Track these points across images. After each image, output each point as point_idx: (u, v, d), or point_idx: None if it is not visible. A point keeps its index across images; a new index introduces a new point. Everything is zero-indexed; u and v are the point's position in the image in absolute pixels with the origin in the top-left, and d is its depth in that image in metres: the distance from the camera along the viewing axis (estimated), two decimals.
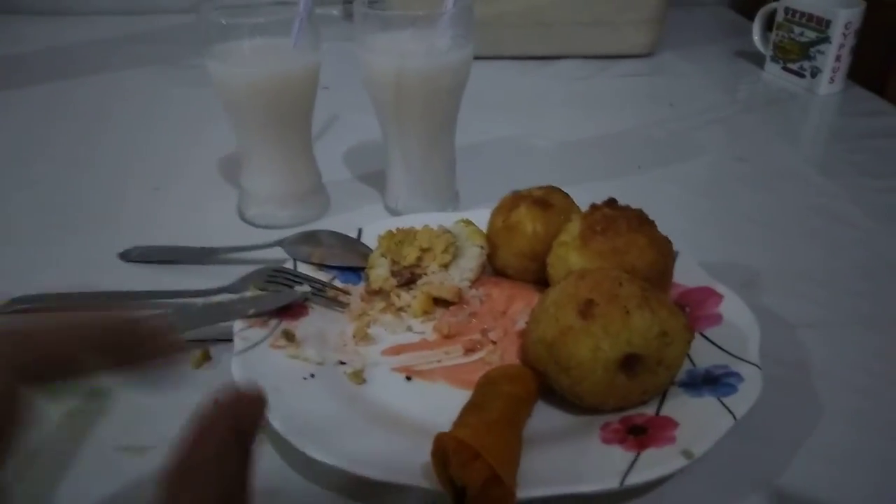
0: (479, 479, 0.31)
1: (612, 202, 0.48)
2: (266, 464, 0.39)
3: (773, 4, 0.96)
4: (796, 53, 0.93)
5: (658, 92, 0.96)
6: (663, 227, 0.48)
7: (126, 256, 0.57)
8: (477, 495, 0.31)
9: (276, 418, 0.37)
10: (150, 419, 0.41)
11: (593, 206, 0.48)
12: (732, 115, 0.88)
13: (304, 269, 0.52)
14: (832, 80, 0.90)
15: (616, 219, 0.46)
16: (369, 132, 0.63)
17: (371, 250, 0.53)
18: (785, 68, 0.96)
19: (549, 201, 0.51)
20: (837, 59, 0.89)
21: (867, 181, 0.70)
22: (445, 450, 0.32)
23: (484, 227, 0.54)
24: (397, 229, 0.54)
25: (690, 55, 1.07)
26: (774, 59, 0.97)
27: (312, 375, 0.42)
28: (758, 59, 1.01)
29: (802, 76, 0.93)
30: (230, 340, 0.44)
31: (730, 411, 0.37)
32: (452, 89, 0.58)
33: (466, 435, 0.32)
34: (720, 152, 0.78)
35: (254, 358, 0.42)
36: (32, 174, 0.73)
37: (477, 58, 0.99)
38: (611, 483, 0.33)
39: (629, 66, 1.03)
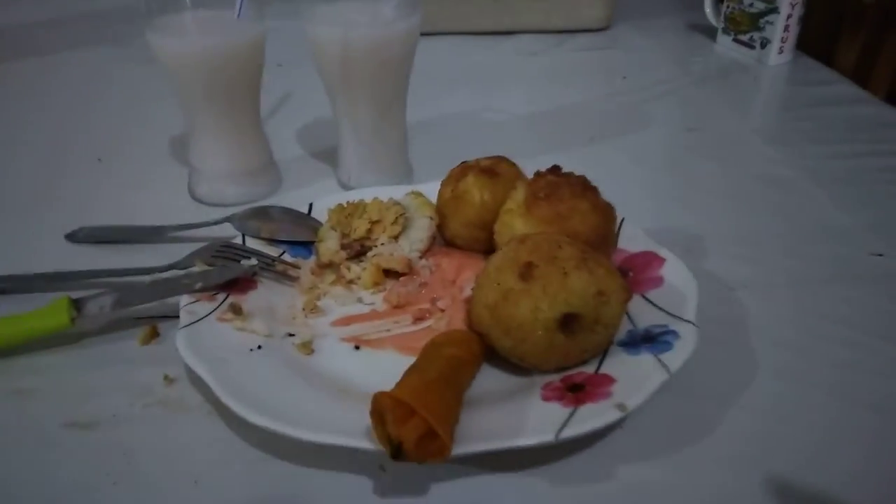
0: (415, 435, 0.31)
1: (555, 169, 0.48)
2: (215, 434, 0.39)
3: None
4: (746, 24, 0.95)
5: (613, 65, 0.97)
6: (612, 196, 0.49)
7: (73, 237, 0.57)
8: (413, 449, 0.31)
9: (220, 389, 0.37)
10: (96, 394, 0.42)
11: (537, 174, 0.49)
12: (684, 86, 0.89)
13: (253, 244, 0.52)
14: (781, 51, 0.92)
15: (559, 185, 0.46)
16: (323, 109, 0.63)
17: (321, 224, 0.53)
18: (736, 40, 0.97)
19: (496, 170, 0.52)
20: (786, 29, 0.90)
21: (811, 148, 0.72)
22: (382, 408, 0.33)
23: (434, 199, 0.54)
24: (347, 203, 0.54)
25: (645, 28, 1.08)
26: (726, 31, 0.99)
27: (259, 347, 0.43)
28: (711, 32, 1.02)
29: (752, 47, 0.94)
30: (178, 316, 0.44)
31: (664, 366, 0.38)
32: (400, 60, 0.58)
33: (403, 393, 0.33)
34: (670, 123, 0.79)
35: (200, 331, 0.42)
36: None
37: (433, 33, 0.99)
38: (546, 437, 0.34)
39: (585, 41, 1.03)
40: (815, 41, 0.95)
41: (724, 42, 0.99)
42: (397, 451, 0.32)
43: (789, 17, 0.89)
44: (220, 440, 0.39)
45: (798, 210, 0.61)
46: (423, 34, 0.58)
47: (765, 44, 0.92)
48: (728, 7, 0.96)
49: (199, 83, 0.56)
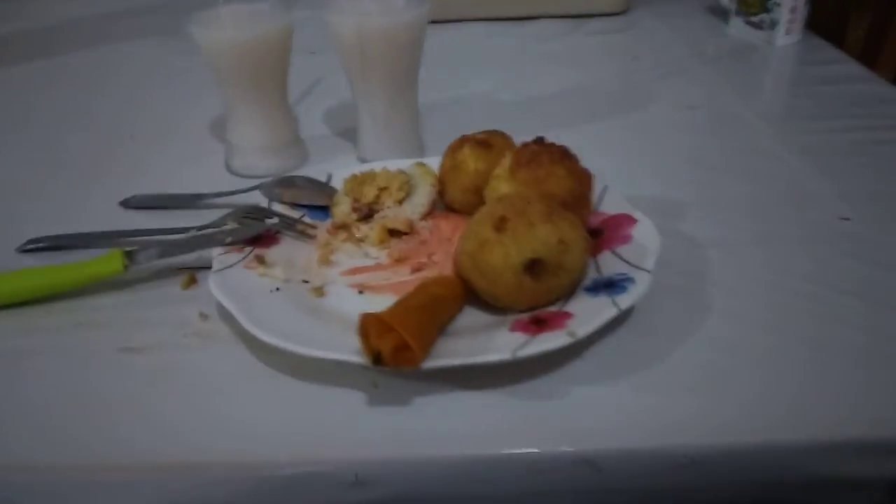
0: (391, 345, 0.38)
1: (539, 140, 0.55)
2: (241, 358, 0.47)
3: None
4: (756, 6, 0.98)
5: (627, 49, 1.01)
6: (603, 166, 0.55)
7: (126, 204, 0.65)
8: (389, 357, 0.39)
9: (245, 320, 0.45)
10: (145, 327, 0.50)
11: (523, 144, 0.55)
12: (693, 67, 0.93)
13: (278, 207, 0.59)
14: (788, 32, 0.95)
15: (540, 153, 0.53)
16: (348, 93, 0.70)
17: (337, 191, 0.61)
18: (747, 21, 1.00)
19: (489, 142, 0.58)
20: (793, 10, 0.93)
21: (805, 124, 0.75)
22: (366, 324, 0.40)
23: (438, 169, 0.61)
24: (360, 172, 0.61)
25: (661, 12, 1.11)
26: (738, 13, 1.02)
27: (278, 289, 0.50)
28: (725, 15, 1.05)
29: (762, 28, 0.98)
30: (211, 267, 0.52)
31: (616, 305, 0.44)
32: (411, 45, 0.64)
33: (383, 313, 0.40)
34: (673, 102, 0.83)
35: (229, 276, 0.50)
36: (36, 137, 0.80)
37: (451, 20, 1.04)
38: (504, 355, 0.41)
39: (601, 25, 1.08)
40: (825, 21, 0.98)
41: (736, 24, 1.02)
42: (377, 359, 0.39)
43: None
44: (244, 362, 0.47)
45: (776, 179, 0.66)
46: (440, 21, 0.64)
47: (773, 25, 0.96)
48: None
49: (235, 68, 0.64)
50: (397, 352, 0.39)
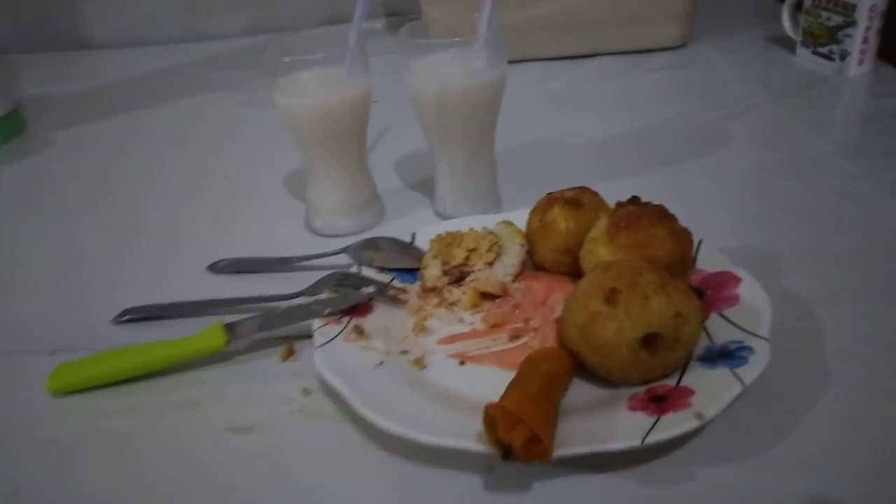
0: (522, 439, 0.38)
1: (635, 199, 0.54)
2: (347, 438, 0.47)
3: None
4: (825, 38, 0.96)
5: (690, 84, 1.00)
6: (690, 217, 0.53)
7: (214, 268, 0.66)
8: (520, 452, 0.38)
9: (354, 400, 0.45)
10: (250, 404, 0.50)
11: (618, 204, 0.54)
12: (763, 101, 0.91)
13: (367, 272, 0.59)
14: (861, 62, 0.93)
15: (639, 215, 0.52)
16: (417, 142, 0.70)
17: (424, 252, 0.60)
18: (815, 52, 0.98)
19: (579, 201, 0.57)
20: (865, 41, 0.91)
21: (887, 161, 0.73)
22: (493, 416, 0.39)
23: (523, 226, 0.60)
24: (446, 232, 0.61)
25: (723, 44, 1.10)
26: (805, 44, 1.00)
27: (381, 363, 0.50)
28: (789, 44, 1.03)
29: (832, 59, 0.95)
30: (310, 337, 0.52)
31: (739, 379, 0.43)
32: (489, 104, 0.64)
33: (510, 404, 0.39)
34: (749, 141, 0.82)
35: (332, 350, 0.50)
36: (120, 198, 0.82)
37: (513, 61, 1.05)
38: (633, 442, 0.39)
39: (662, 60, 1.07)
40: None
41: (804, 55, 1.00)
42: (507, 453, 0.38)
43: (868, 28, 0.90)
44: (352, 441, 0.46)
45: (874, 225, 0.63)
46: None
47: (844, 56, 0.93)
48: (806, 21, 0.98)
49: (316, 132, 0.64)
50: (527, 445, 0.38)
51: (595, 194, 0.59)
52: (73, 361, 0.53)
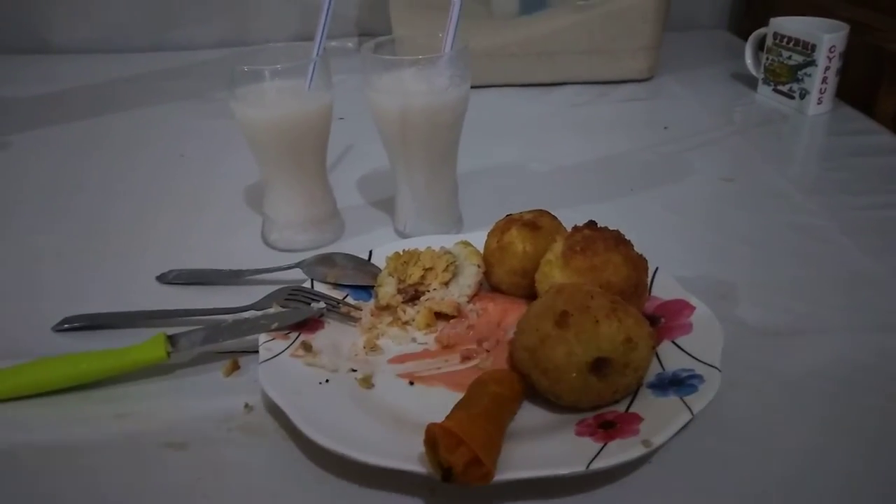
0: (463, 461, 0.36)
1: (591, 224, 0.53)
2: (288, 457, 0.45)
3: (763, 29, 1.01)
4: (786, 76, 0.98)
5: (655, 116, 1.02)
6: (648, 245, 0.54)
7: (163, 279, 0.64)
8: (461, 473, 0.37)
9: (296, 417, 0.43)
10: (188, 419, 0.48)
11: (575, 228, 0.54)
12: (724, 136, 0.93)
13: (320, 287, 0.58)
14: (820, 102, 0.95)
15: (594, 239, 0.51)
16: (381, 160, 0.69)
17: (380, 270, 0.59)
18: (776, 90, 1.01)
19: (537, 224, 0.57)
20: (824, 80, 0.94)
21: (847, 198, 0.75)
22: (435, 437, 0.38)
23: (482, 247, 0.60)
24: (403, 251, 0.60)
25: (688, 78, 1.12)
26: (766, 82, 1.02)
27: (327, 381, 0.48)
28: (751, 82, 1.06)
29: (792, 97, 0.98)
30: (256, 352, 0.51)
31: (688, 407, 0.42)
32: (452, 124, 0.64)
33: (452, 425, 0.38)
34: (709, 173, 0.83)
35: (277, 366, 0.49)
36: (73, 205, 0.80)
37: (482, 86, 1.05)
38: (578, 468, 0.38)
39: (628, 91, 1.09)
40: (856, 90, 0.98)
41: (765, 92, 1.03)
42: (447, 475, 0.37)
43: (827, 69, 0.93)
44: (293, 462, 0.44)
45: (828, 259, 0.64)
46: (471, 87, 0.64)
47: (804, 94, 0.96)
48: (768, 59, 1.00)
49: (275, 145, 0.63)
50: (468, 467, 0.37)
51: (553, 218, 0.59)
52: (5, 369, 0.50)
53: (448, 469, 0.37)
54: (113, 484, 0.44)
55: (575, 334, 0.43)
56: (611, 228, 0.53)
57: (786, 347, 0.53)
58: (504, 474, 0.38)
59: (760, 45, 1.03)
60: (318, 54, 0.62)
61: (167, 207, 0.78)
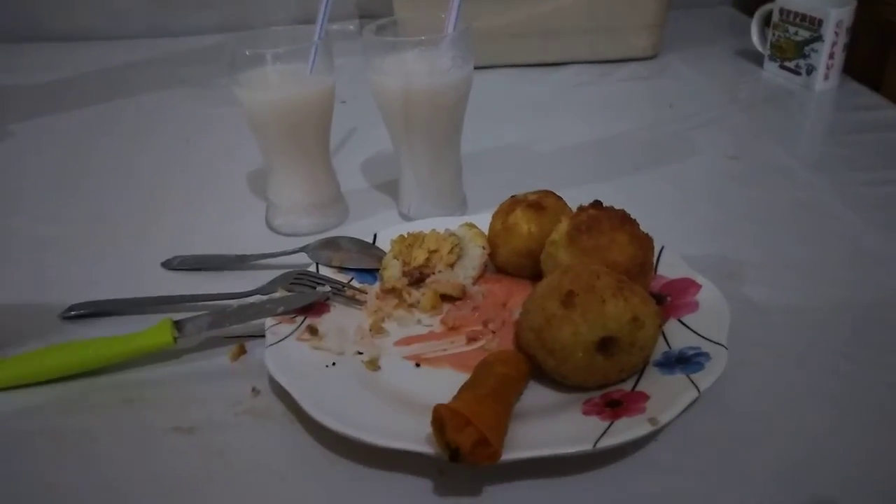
0: (470, 441, 0.36)
1: (597, 204, 0.53)
2: (296, 440, 0.45)
3: (770, 5, 1.00)
4: (792, 52, 0.97)
5: (660, 94, 1.00)
6: (654, 224, 0.53)
7: (168, 265, 0.64)
8: (468, 454, 0.37)
9: (303, 400, 0.44)
10: (196, 403, 0.48)
11: (580, 208, 0.53)
12: (730, 114, 0.92)
13: (325, 271, 0.58)
14: (827, 77, 0.94)
15: (600, 219, 0.51)
16: (384, 143, 0.69)
17: (385, 253, 0.59)
18: (782, 66, 0.99)
19: (542, 204, 0.57)
20: (831, 56, 0.93)
21: (852, 174, 0.74)
22: (442, 418, 0.38)
23: (486, 229, 0.60)
24: (408, 233, 0.60)
25: (692, 56, 1.11)
26: (772, 58, 1.01)
27: (334, 364, 0.49)
28: (757, 58, 1.04)
29: (798, 74, 0.97)
30: (262, 336, 0.51)
31: (695, 385, 0.42)
32: (455, 105, 0.64)
33: (459, 405, 0.38)
34: (714, 151, 0.82)
35: (283, 350, 0.49)
36: (77, 193, 0.80)
37: (485, 67, 1.04)
38: (585, 446, 0.39)
39: (632, 70, 1.07)
40: (863, 66, 0.97)
41: (771, 68, 1.01)
42: (455, 455, 0.37)
43: (834, 44, 0.91)
44: (300, 444, 0.45)
45: (834, 236, 0.64)
46: (474, 68, 0.63)
47: (810, 70, 0.95)
48: (774, 35, 0.99)
49: (278, 129, 0.63)
50: (475, 447, 0.37)
51: (558, 198, 0.59)
52: (13, 357, 0.51)
53: (455, 449, 0.37)
54: (121, 469, 0.44)
55: (581, 314, 0.43)
56: (616, 208, 0.53)
57: (792, 324, 0.53)
58: (511, 454, 0.38)
59: (766, 21, 1.01)
60: (319, 37, 0.62)
61: (171, 194, 0.78)
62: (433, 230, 0.59)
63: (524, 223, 0.56)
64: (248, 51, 0.60)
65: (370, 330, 0.53)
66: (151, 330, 0.51)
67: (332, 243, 0.61)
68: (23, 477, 0.44)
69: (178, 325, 0.51)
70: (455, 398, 0.40)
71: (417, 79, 0.61)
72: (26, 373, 0.49)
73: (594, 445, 0.39)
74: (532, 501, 0.40)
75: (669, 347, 0.47)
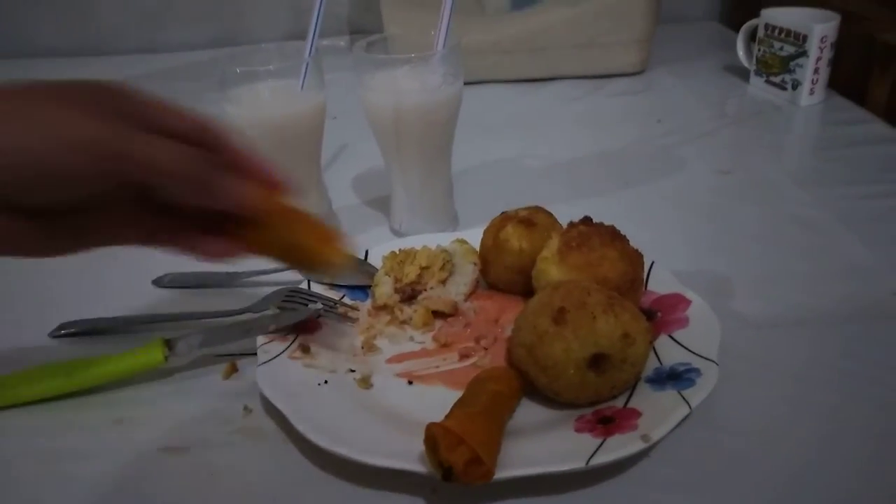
0: (463, 460, 0.36)
1: (587, 220, 0.53)
2: (288, 458, 0.45)
3: (755, 21, 1.01)
4: (777, 67, 0.98)
5: (648, 109, 1.01)
6: (645, 239, 0.54)
7: (159, 283, 0.64)
8: (461, 473, 0.37)
9: (295, 419, 0.43)
10: (187, 423, 0.48)
11: (570, 224, 0.54)
12: (718, 128, 0.93)
13: (316, 288, 0.58)
14: (812, 92, 0.95)
15: (590, 235, 0.51)
16: (375, 159, 0.69)
17: (376, 270, 0.59)
18: (768, 81, 1.01)
19: (533, 220, 0.57)
20: (815, 71, 0.94)
21: (841, 189, 0.75)
22: (435, 437, 0.38)
23: (478, 245, 0.60)
24: (399, 250, 0.60)
25: (680, 71, 1.12)
26: (758, 73, 1.02)
27: (326, 382, 0.48)
28: (744, 73, 1.06)
29: (784, 89, 0.98)
30: (254, 354, 0.51)
31: (686, 401, 0.42)
32: (445, 121, 0.64)
33: (452, 424, 0.38)
34: (704, 166, 0.83)
35: (275, 368, 0.49)
36: None
37: (475, 82, 1.05)
38: (578, 464, 0.39)
39: (621, 85, 1.08)
40: (848, 80, 0.98)
41: (757, 83, 1.03)
42: (448, 474, 0.37)
43: (818, 59, 0.93)
44: (293, 463, 0.44)
45: (825, 251, 0.64)
46: (464, 83, 0.63)
47: (796, 85, 0.96)
48: (759, 50, 1.00)
49: (269, 145, 0.63)
50: (468, 466, 0.37)
51: (549, 214, 0.59)
52: (2, 377, 0.50)
53: (448, 468, 0.37)
54: (112, 490, 0.44)
55: (572, 330, 0.43)
56: (606, 224, 0.53)
57: (784, 339, 0.53)
58: (504, 472, 0.38)
59: (752, 37, 1.03)
60: (310, 54, 0.62)
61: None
62: (425, 246, 0.60)
63: (515, 240, 0.56)
64: (239, 68, 0.61)
65: (362, 347, 0.53)
66: (142, 349, 0.51)
67: None
68: (12, 499, 0.44)
69: (169, 343, 0.51)
70: (447, 416, 0.40)
71: (408, 96, 0.61)
72: (16, 394, 0.49)
73: (587, 463, 0.39)
74: None
75: (660, 363, 0.47)
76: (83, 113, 0.34)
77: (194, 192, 0.36)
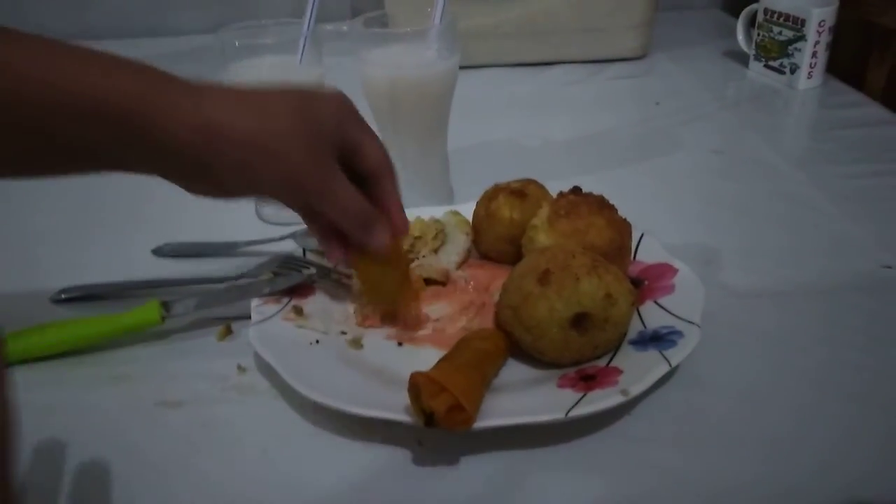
0: (444, 406, 0.38)
1: (576, 190, 0.55)
2: (279, 413, 0.46)
3: (754, 6, 1.02)
4: (776, 51, 0.99)
5: (647, 93, 1.02)
6: (637, 214, 0.55)
7: (159, 252, 0.65)
8: (442, 419, 0.38)
9: (286, 374, 0.45)
10: (183, 380, 0.49)
11: (560, 194, 0.55)
12: (715, 111, 0.94)
13: (312, 257, 0.59)
14: (810, 76, 0.96)
15: (579, 204, 0.52)
16: None
17: None
18: (767, 66, 1.01)
19: (524, 191, 0.58)
20: (814, 55, 0.94)
21: (832, 168, 0.75)
22: (418, 384, 0.39)
23: (472, 217, 0.61)
24: None
25: (680, 56, 1.13)
26: (757, 58, 1.03)
27: (317, 341, 0.50)
28: (744, 59, 1.06)
29: (783, 73, 0.98)
30: (249, 317, 0.52)
31: (667, 360, 0.43)
32: (441, 96, 0.65)
33: (434, 373, 0.39)
34: (699, 146, 0.83)
35: (268, 328, 0.50)
36: (70, 182, 0.80)
37: (475, 66, 1.05)
38: (558, 415, 0.40)
39: (621, 69, 1.09)
40: (846, 64, 0.98)
41: (756, 68, 1.03)
42: (430, 420, 0.38)
43: (816, 43, 0.93)
44: (283, 418, 0.46)
45: (814, 226, 0.65)
46: (466, 67, 0.64)
47: (794, 69, 0.96)
48: (758, 35, 1.01)
49: None
50: (450, 413, 0.38)
51: (541, 186, 0.60)
52: (5, 335, 0.52)
53: (430, 414, 0.38)
54: (107, 440, 0.45)
55: (556, 291, 0.44)
56: (595, 194, 0.54)
57: (768, 307, 0.54)
58: (486, 421, 0.40)
59: (752, 22, 1.03)
60: (308, 28, 0.63)
61: (162, 182, 0.79)
62: (418, 217, 0.61)
63: (507, 210, 0.57)
64: (238, 42, 0.62)
65: (354, 312, 0.54)
66: (140, 309, 0.52)
67: None
68: None
69: (165, 305, 0.52)
70: (432, 368, 0.41)
71: (404, 70, 0.62)
72: (17, 350, 0.50)
73: (566, 414, 0.40)
74: (507, 471, 0.41)
75: (644, 327, 0.48)
76: (306, 144, 0.42)
77: (356, 230, 0.45)
